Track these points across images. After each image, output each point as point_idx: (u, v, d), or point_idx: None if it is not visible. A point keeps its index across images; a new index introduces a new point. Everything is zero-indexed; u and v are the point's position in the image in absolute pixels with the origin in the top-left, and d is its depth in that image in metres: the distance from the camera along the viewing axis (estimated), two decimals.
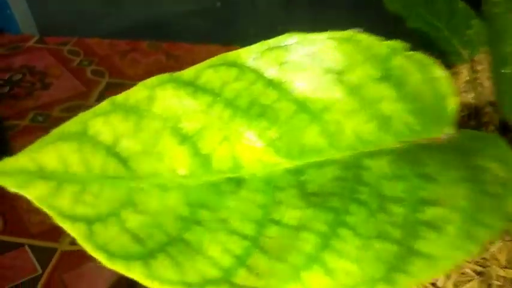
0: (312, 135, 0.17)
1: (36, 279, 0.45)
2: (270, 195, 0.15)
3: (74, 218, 0.13)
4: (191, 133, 0.16)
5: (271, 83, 0.17)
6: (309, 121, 0.17)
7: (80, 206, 0.13)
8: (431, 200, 0.15)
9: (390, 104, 0.17)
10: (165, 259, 0.13)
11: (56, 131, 0.14)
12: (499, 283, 0.22)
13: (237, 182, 0.16)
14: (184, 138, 0.16)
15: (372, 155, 0.17)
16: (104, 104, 0.15)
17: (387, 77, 0.17)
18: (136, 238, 0.13)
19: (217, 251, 0.14)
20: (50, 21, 0.85)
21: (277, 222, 0.15)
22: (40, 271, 0.45)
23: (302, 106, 0.17)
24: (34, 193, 0.12)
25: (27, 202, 0.12)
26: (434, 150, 0.17)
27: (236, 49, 0.16)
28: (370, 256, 0.14)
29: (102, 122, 0.14)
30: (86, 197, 0.13)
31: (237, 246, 0.14)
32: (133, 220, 0.14)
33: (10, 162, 0.13)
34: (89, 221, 0.13)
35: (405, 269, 0.13)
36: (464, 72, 0.26)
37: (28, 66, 0.74)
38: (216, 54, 0.16)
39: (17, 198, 0.13)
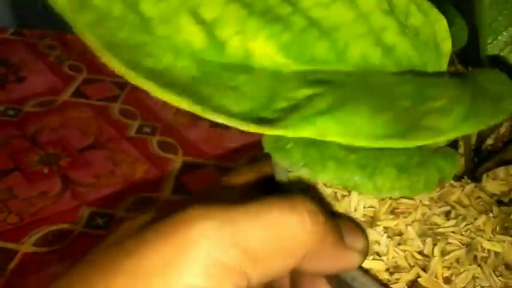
0: (322, 48, 0.17)
1: None
2: (279, 82, 0.15)
3: (92, 31, 0.12)
4: (208, 20, 0.16)
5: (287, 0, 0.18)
6: (320, 36, 0.18)
7: (97, 27, 0.13)
8: (436, 95, 0.15)
9: (394, 36, 0.18)
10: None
11: None
12: (484, 254, 0.21)
13: (247, 68, 0.16)
14: (202, 21, 0.16)
15: (377, 72, 0.17)
16: None
17: (393, 11, 0.18)
18: (151, 71, 0.13)
19: (229, 102, 0.13)
20: (29, 13, 0.80)
21: (287, 97, 0.15)
22: None
23: (314, 23, 0.18)
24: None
25: None
26: (433, 75, 0.18)
27: None
28: (381, 121, 0.14)
29: None
30: (104, 25, 0.13)
31: (248, 103, 0.14)
32: (148, 61, 0.13)
33: None
34: (104, 41, 0.13)
35: (414, 134, 0.13)
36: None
37: (2, 58, 0.70)
38: None
39: None
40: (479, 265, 0.21)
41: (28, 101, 0.58)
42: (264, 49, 0.17)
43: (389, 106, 0.14)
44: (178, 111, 0.55)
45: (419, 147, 0.21)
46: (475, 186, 0.25)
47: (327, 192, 0.23)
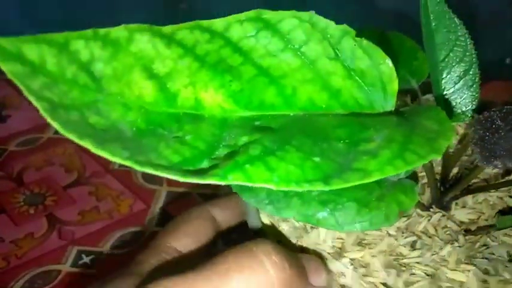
0: (270, 94, 0.19)
1: None
2: (225, 129, 0.17)
3: (40, 97, 0.14)
4: (161, 74, 0.18)
5: (239, 50, 0.19)
6: (268, 83, 0.19)
7: (47, 92, 0.14)
8: (370, 137, 0.16)
9: (340, 79, 0.19)
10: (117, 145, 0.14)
11: (40, 36, 0.16)
12: (448, 284, 0.22)
13: (196, 117, 0.17)
14: (154, 76, 0.17)
15: (322, 114, 0.18)
16: (87, 32, 0.17)
17: (339, 56, 0.20)
18: (94, 128, 0.14)
19: (169, 152, 0.15)
20: None
21: (227, 145, 0.16)
22: None
23: (264, 71, 0.19)
24: (11, 68, 0.14)
25: None
26: (377, 116, 0.19)
27: None
28: (310, 165, 0.15)
29: (83, 44, 0.16)
30: (54, 89, 0.15)
31: (188, 152, 0.15)
32: (94, 119, 0.15)
33: None
34: (53, 104, 0.14)
35: (341, 176, 0.14)
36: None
37: None
38: None
39: None
40: None
41: (12, 140, 0.57)
42: (214, 98, 0.18)
43: (321, 150, 0.15)
44: None
45: (379, 182, 0.22)
46: (443, 215, 0.25)
47: (296, 224, 0.24)
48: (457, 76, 0.23)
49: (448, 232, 0.24)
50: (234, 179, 0.14)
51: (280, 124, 0.17)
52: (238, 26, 0.19)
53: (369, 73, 0.20)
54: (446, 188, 0.26)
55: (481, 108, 0.31)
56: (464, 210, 0.26)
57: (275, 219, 0.25)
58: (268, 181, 0.14)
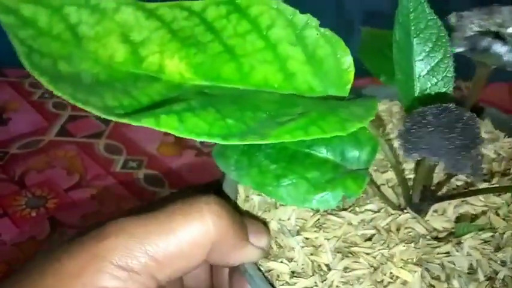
0: (228, 70, 0.21)
1: None
2: (174, 92, 0.19)
3: (24, 44, 0.18)
4: (135, 40, 0.21)
5: (211, 29, 0.22)
6: (229, 60, 0.21)
7: (31, 41, 0.18)
8: (292, 113, 0.18)
9: (297, 64, 0.21)
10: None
11: None
12: (389, 280, 0.22)
13: (154, 79, 0.20)
14: (129, 42, 0.21)
15: (269, 92, 0.20)
16: (81, 0, 0.21)
17: (301, 43, 0.21)
18: (59, 72, 0.18)
19: (109, 98, 0.18)
20: (10, 52, 0.81)
21: (162, 102, 0.18)
22: None
23: (228, 49, 0.21)
24: (5, 19, 0.18)
25: None
26: (318, 98, 0.20)
27: None
28: (220, 124, 0.17)
29: (75, 9, 0.20)
30: (38, 40, 0.19)
31: (127, 101, 0.18)
32: (63, 66, 0.19)
33: None
34: (31, 50, 0.18)
35: (242, 136, 0.16)
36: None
37: None
38: None
39: None
40: None
41: (13, 143, 0.57)
42: (177, 66, 0.21)
43: (242, 116, 0.17)
44: (163, 143, 0.58)
45: (335, 167, 0.23)
46: (413, 218, 0.25)
47: (268, 200, 0.26)
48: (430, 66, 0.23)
49: (410, 233, 0.24)
50: (144, 122, 0.16)
51: (223, 93, 0.20)
52: (214, 8, 0.22)
53: (327, 61, 0.21)
54: (425, 195, 0.26)
55: (477, 110, 0.30)
56: (440, 218, 0.25)
57: (250, 192, 0.27)
58: (173, 129, 0.16)
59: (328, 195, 0.22)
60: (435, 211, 0.26)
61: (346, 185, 0.22)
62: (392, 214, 0.25)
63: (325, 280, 0.22)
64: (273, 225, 0.25)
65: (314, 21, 0.21)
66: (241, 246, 0.22)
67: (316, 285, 0.22)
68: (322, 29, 0.21)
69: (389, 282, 0.22)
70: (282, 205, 0.26)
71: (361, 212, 0.25)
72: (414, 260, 0.23)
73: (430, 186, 0.25)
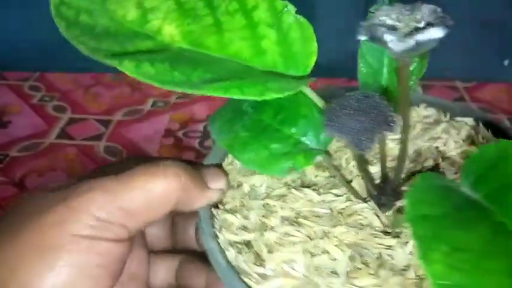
0: (211, 40, 0.25)
1: None
2: (160, 48, 0.24)
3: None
4: (147, 7, 0.26)
5: (210, 5, 0.26)
6: (215, 32, 0.25)
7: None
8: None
9: (270, 43, 0.24)
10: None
11: None
12: (318, 252, 0.24)
13: (149, 37, 0.25)
14: (142, 7, 0.26)
15: (235, 62, 0.24)
16: None
17: (277, 25, 0.24)
18: (78, 21, 0.24)
19: (103, 42, 0.23)
20: (10, 55, 0.77)
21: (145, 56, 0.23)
22: None
23: (218, 23, 0.25)
24: None
25: None
26: (271, 73, 0.23)
27: None
28: (168, 74, 0.21)
29: None
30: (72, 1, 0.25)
31: (118, 48, 0.23)
32: (83, 17, 0.24)
33: None
34: (62, 2, 0.24)
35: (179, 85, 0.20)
36: None
37: None
38: None
39: None
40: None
41: (14, 145, 0.56)
42: (171, 31, 0.25)
43: (191, 72, 0.21)
44: (162, 145, 0.60)
45: (296, 142, 0.26)
46: (371, 209, 0.26)
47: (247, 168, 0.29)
48: None
49: (361, 221, 0.26)
50: (111, 64, 0.21)
51: (196, 57, 0.24)
52: None
53: (295, 45, 0.24)
54: (386, 187, 0.26)
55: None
56: (401, 216, 0.26)
57: (236, 161, 0.30)
58: (128, 71, 0.21)
59: (281, 165, 0.25)
60: (399, 210, 0.27)
61: (297, 158, 0.24)
62: (351, 201, 0.27)
63: (262, 237, 0.25)
64: (245, 188, 0.28)
65: (291, 8, 0.24)
66: (202, 193, 0.26)
67: (255, 240, 0.25)
68: (298, 16, 0.24)
69: (317, 254, 0.24)
70: (259, 174, 0.29)
71: (325, 193, 0.27)
72: (350, 243, 0.24)
73: (395, 180, 0.26)
